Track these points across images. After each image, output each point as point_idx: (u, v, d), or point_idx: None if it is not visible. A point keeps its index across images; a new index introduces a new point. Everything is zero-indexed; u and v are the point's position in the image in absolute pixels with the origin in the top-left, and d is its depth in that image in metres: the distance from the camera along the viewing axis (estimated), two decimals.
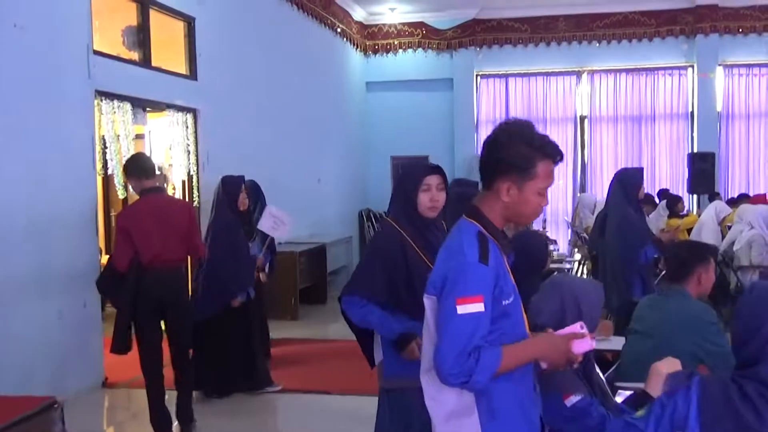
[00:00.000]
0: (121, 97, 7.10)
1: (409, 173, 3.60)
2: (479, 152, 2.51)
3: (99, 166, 6.84)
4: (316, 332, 9.04)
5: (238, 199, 6.45)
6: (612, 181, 6.67)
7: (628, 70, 15.17)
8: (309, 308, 10.28)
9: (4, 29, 5.69)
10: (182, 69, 8.49)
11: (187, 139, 8.48)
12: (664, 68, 15.07)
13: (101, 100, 6.80)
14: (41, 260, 5.98)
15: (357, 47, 15.34)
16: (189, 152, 8.51)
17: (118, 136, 6.98)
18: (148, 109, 7.88)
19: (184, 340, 5.38)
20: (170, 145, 8.52)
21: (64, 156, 6.26)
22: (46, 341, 6.01)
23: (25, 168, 5.85)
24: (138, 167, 5.25)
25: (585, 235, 11.11)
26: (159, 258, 5.03)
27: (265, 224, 6.95)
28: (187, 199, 8.59)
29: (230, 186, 6.47)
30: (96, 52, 6.72)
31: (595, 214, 11.31)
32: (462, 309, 2.23)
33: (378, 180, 15.90)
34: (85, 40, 6.55)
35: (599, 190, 14.98)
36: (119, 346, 5.05)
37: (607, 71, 15.27)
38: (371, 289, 3.53)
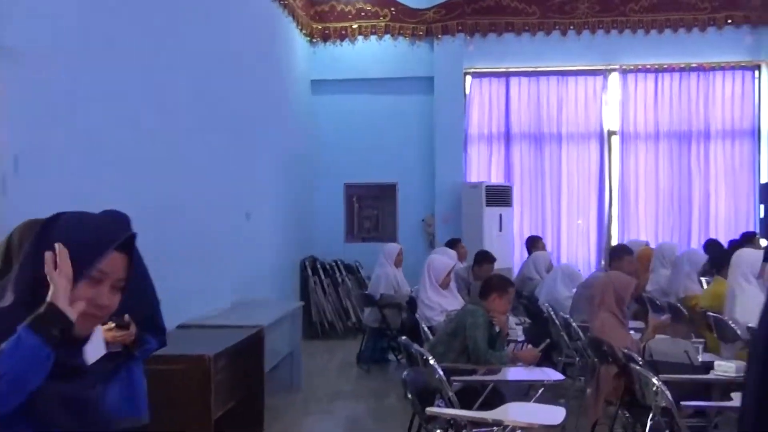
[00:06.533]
0: None
1: None
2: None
3: None
4: None
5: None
6: None
7: (675, 70, 11.15)
8: None
9: None
10: None
11: None
12: (723, 68, 11.11)
13: None
14: None
15: (301, 29, 10.87)
16: None
17: None
18: None
19: None
20: None
21: None
22: None
23: None
24: None
25: (676, 303, 6.97)
26: None
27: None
28: None
29: None
30: None
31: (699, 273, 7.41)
32: None
33: (326, 215, 11.53)
34: None
35: (635, 231, 11.01)
36: None
37: (646, 70, 11.21)
38: None
